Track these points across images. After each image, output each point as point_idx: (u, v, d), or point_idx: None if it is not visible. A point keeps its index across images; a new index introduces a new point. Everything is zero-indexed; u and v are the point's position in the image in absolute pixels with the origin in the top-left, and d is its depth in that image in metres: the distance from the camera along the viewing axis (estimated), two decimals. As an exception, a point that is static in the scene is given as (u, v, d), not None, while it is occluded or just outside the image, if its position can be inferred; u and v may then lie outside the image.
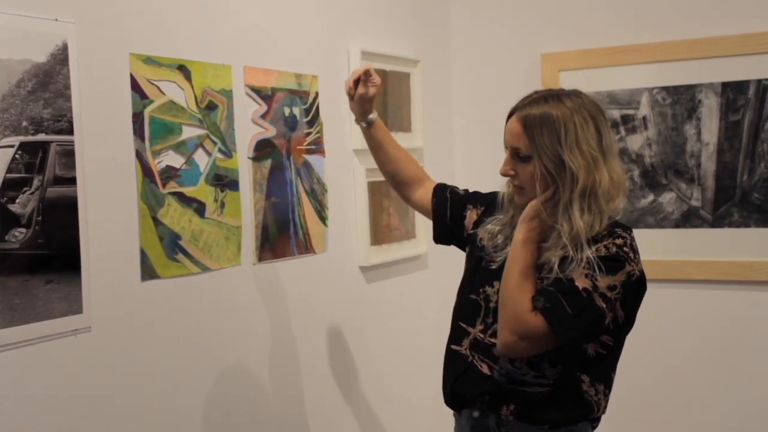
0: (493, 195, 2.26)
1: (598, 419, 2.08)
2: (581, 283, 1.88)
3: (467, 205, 2.33)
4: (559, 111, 1.94)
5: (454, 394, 2.12)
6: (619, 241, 1.93)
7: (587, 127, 1.94)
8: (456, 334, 2.14)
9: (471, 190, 2.40)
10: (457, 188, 2.42)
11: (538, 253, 1.97)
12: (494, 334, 2.01)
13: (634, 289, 1.95)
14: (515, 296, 1.91)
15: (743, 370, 3.28)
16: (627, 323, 2.01)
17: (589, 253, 1.90)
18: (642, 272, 1.97)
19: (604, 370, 2.03)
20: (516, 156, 2.00)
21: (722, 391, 3.31)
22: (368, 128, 2.47)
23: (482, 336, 2.07)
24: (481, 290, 2.11)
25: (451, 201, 2.37)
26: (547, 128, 1.94)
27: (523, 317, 1.89)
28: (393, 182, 2.55)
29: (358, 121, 2.47)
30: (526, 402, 2.00)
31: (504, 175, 2.04)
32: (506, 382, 2.02)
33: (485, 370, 2.04)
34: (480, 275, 2.13)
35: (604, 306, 1.89)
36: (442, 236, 2.41)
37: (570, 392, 2.00)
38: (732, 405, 3.30)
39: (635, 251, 1.96)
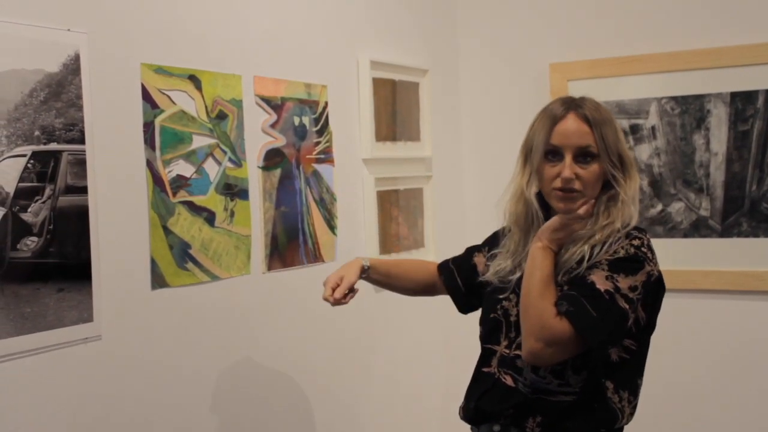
0: (492, 235, 2.26)
1: (621, 430, 2.03)
2: (602, 285, 1.86)
3: (473, 254, 2.31)
4: (606, 111, 1.99)
5: (478, 410, 2.06)
6: (636, 242, 1.93)
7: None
8: (485, 357, 2.09)
9: (469, 246, 2.37)
10: (457, 255, 2.38)
11: (556, 258, 1.96)
12: (519, 347, 1.96)
13: (654, 290, 1.94)
14: (538, 303, 1.87)
15: (752, 380, 3.27)
16: (648, 325, 1.98)
17: (615, 247, 1.92)
18: (660, 273, 1.96)
19: (629, 375, 1.98)
20: (580, 156, 1.94)
21: (730, 401, 3.30)
22: (368, 276, 2.32)
23: (507, 351, 2.02)
24: (498, 306, 2.07)
25: (457, 270, 2.33)
26: (610, 126, 1.96)
27: (548, 323, 1.85)
28: (421, 293, 2.44)
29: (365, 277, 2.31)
30: (552, 413, 1.95)
31: (567, 179, 1.93)
32: (531, 392, 1.97)
33: (509, 381, 2.00)
34: (496, 294, 2.09)
35: (627, 307, 1.86)
36: (465, 306, 2.36)
37: (595, 400, 1.95)
38: (740, 415, 3.29)
39: (652, 252, 1.95)
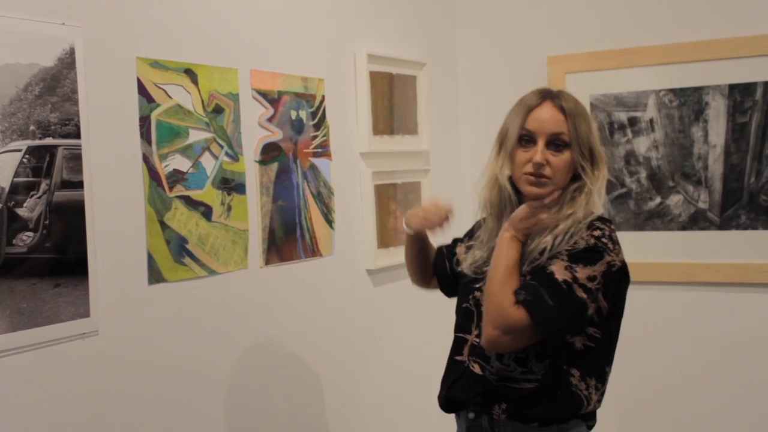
0: (472, 228, 2.31)
1: (592, 416, 2.08)
2: (561, 275, 1.91)
3: (456, 245, 2.35)
4: (582, 105, 2.04)
5: (449, 398, 2.13)
6: (597, 233, 1.96)
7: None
8: (456, 346, 2.15)
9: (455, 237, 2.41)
10: (446, 243, 2.41)
11: (523, 248, 2.01)
12: (480, 329, 2.03)
13: (616, 280, 1.98)
14: (498, 291, 1.93)
15: (751, 372, 3.27)
16: (614, 314, 2.02)
17: (575, 237, 1.96)
18: (623, 262, 2.00)
19: (596, 363, 2.02)
20: (552, 144, 2.00)
21: (729, 393, 3.30)
22: (417, 235, 2.33)
23: (477, 341, 2.07)
24: (471, 296, 2.11)
25: (446, 254, 2.37)
26: (583, 118, 2.01)
27: (506, 311, 1.90)
28: (422, 276, 2.44)
29: (411, 231, 2.30)
30: (516, 400, 2.00)
31: (538, 164, 1.99)
32: (496, 380, 2.02)
33: (477, 369, 2.05)
34: (471, 284, 2.14)
35: (585, 296, 1.91)
36: (448, 289, 2.39)
37: (558, 387, 1.99)
38: (739, 407, 3.29)
39: (614, 242, 1.98)
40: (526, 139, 2.03)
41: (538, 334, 1.92)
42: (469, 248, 2.22)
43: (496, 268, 1.97)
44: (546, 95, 2.04)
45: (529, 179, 2.01)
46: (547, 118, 2.00)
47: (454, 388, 2.11)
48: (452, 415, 2.23)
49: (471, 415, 2.08)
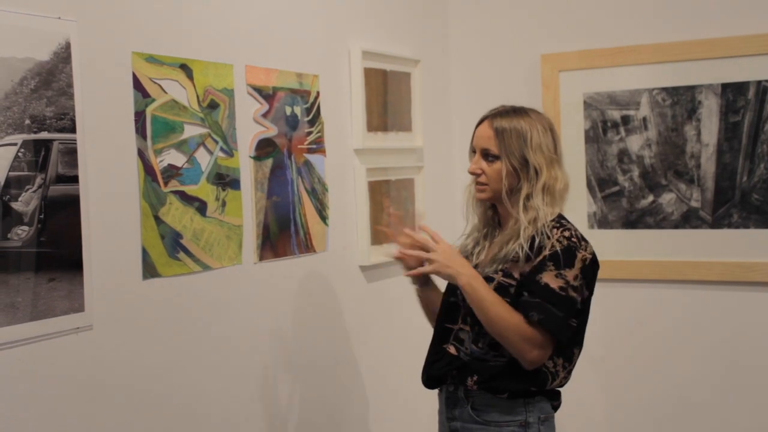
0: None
1: (557, 396, 2.32)
2: (555, 283, 2.18)
3: None
4: (524, 120, 2.29)
5: (430, 377, 2.38)
6: (567, 233, 2.23)
7: (546, 135, 2.29)
8: (442, 335, 2.36)
9: None
10: None
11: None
12: (468, 325, 2.29)
13: (590, 270, 2.25)
14: (509, 321, 2.17)
15: (742, 371, 3.29)
16: (584, 300, 2.26)
17: (551, 240, 2.20)
18: (592, 254, 2.25)
19: (566, 345, 2.27)
20: (485, 157, 2.30)
21: (720, 392, 3.32)
22: (425, 289, 2.51)
23: (461, 328, 2.31)
24: (458, 291, 2.29)
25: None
26: (515, 132, 2.27)
27: (527, 334, 2.17)
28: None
29: (419, 286, 2.51)
30: (487, 372, 2.25)
31: (472, 173, 2.32)
32: (471, 361, 2.28)
33: (452, 350, 2.32)
34: None
35: (576, 295, 2.20)
36: None
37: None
38: (730, 406, 3.31)
39: (580, 238, 2.25)
40: (473, 151, 2.35)
41: (555, 341, 2.21)
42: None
43: (485, 311, 2.19)
44: (489, 115, 2.33)
45: (475, 186, 2.35)
46: (480, 135, 2.32)
47: (434, 367, 2.36)
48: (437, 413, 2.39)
49: (451, 388, 2.33)
